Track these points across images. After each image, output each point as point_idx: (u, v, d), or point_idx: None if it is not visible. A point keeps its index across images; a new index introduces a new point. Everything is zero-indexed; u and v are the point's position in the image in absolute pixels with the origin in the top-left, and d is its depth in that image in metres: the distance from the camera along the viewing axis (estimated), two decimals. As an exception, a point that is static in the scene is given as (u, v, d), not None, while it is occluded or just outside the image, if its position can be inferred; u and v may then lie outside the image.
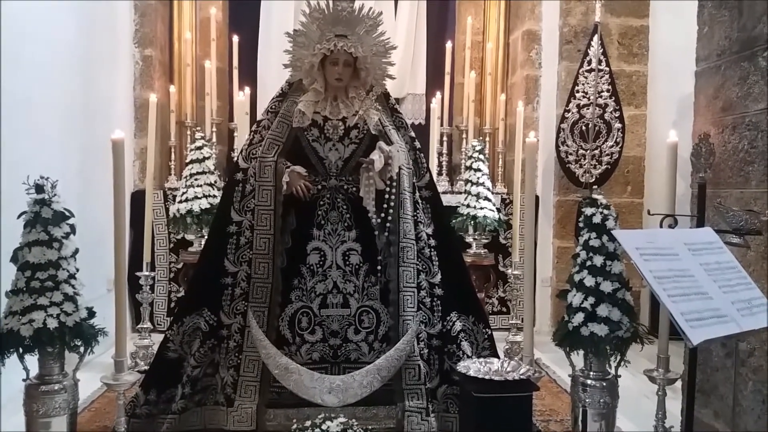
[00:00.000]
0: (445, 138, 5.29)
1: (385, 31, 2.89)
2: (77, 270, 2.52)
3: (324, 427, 2.35)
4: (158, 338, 3.10)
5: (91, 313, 2.53)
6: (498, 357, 2.90)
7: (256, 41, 5.31)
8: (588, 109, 4.61)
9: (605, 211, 2.57)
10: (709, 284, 1.92)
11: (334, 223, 2.88)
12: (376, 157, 2.78)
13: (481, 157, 4.55)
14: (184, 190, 4.27)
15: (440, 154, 5.20)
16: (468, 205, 4.45)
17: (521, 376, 2.47)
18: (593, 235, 2.56)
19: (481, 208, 4.42)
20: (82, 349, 2.50)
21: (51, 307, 2.38)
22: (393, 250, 2.86)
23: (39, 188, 2.44)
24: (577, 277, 2.57)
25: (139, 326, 4.06)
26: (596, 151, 4.64)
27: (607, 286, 2.50)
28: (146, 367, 3.35)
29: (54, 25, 3.66)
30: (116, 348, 2.55)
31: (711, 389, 2.58)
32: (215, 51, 5.13)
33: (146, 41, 4.93)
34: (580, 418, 2.60)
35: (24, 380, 2.46)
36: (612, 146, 4.64)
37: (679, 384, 2.68)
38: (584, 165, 4.66)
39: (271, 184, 2.83)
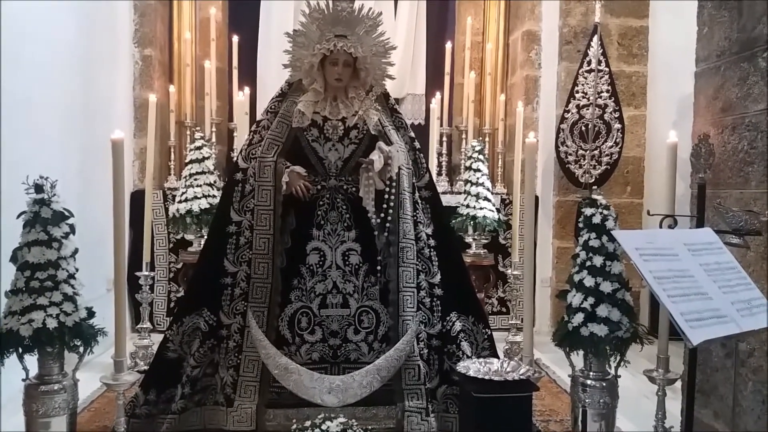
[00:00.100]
0: (444, 138, 5.29)
1: (384, 31, 2.89)
2: (77, 270, 2.52)
3: (324, 427, 2.34)
4: (158, 338, 3.10)
5: (91, 313, 2.52)
6: (498, 357, 2.89)
7: (256, 41, 5.31)
8: (588, 109, 4.61)
9: (605, 212, 2.57)
10: (709, 285, 1.92)
11: (333, 223, 2.88)
12: (375, 157, 2.78)
13: (481, 157, 4.55)
14: (184, 190, 4.27)
15: (440, 154, 5.20)
16: (467, 206, 4.44)
17: (521, 377, 2.47)
18: (593, 235, 2.56)
19: (481, 209, 4.41)
20: (81, 349, 2.49)
21: (50, 307, 2.38)
22: (393, 251, 2.85)
23: (38, 188, 2.44)
24: (576, 278, 2.58)
25: (138, 326, 4.06)
26: (596, 152, 4.64)
27: (606, 287, 2.50)
28: (146, 367, 3.35)
29: (54, 25, 3.66)
30: (116, 348, 2.55)
31: (711, 389, 2.58)
32: (215, 51, 5.13)
33: (146, 41, 4.93)
34: (580, 418, 2.60)
35: (23, 380, 2.45)
36: (611, 147, 4.64)
37: (678, 384, 2.67)
38: (584, 165, 4.66)
39: (271, 184, 2.82)
